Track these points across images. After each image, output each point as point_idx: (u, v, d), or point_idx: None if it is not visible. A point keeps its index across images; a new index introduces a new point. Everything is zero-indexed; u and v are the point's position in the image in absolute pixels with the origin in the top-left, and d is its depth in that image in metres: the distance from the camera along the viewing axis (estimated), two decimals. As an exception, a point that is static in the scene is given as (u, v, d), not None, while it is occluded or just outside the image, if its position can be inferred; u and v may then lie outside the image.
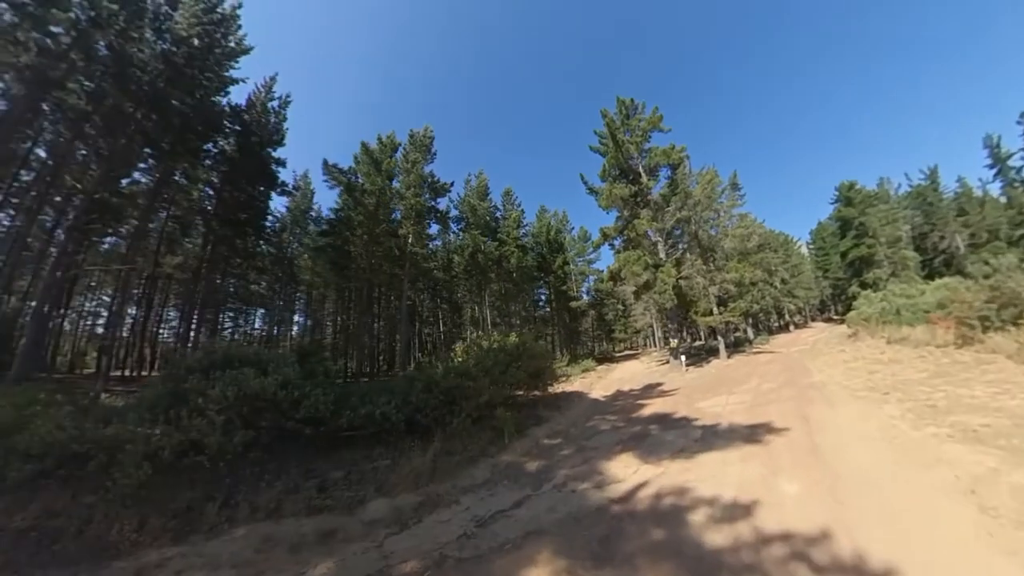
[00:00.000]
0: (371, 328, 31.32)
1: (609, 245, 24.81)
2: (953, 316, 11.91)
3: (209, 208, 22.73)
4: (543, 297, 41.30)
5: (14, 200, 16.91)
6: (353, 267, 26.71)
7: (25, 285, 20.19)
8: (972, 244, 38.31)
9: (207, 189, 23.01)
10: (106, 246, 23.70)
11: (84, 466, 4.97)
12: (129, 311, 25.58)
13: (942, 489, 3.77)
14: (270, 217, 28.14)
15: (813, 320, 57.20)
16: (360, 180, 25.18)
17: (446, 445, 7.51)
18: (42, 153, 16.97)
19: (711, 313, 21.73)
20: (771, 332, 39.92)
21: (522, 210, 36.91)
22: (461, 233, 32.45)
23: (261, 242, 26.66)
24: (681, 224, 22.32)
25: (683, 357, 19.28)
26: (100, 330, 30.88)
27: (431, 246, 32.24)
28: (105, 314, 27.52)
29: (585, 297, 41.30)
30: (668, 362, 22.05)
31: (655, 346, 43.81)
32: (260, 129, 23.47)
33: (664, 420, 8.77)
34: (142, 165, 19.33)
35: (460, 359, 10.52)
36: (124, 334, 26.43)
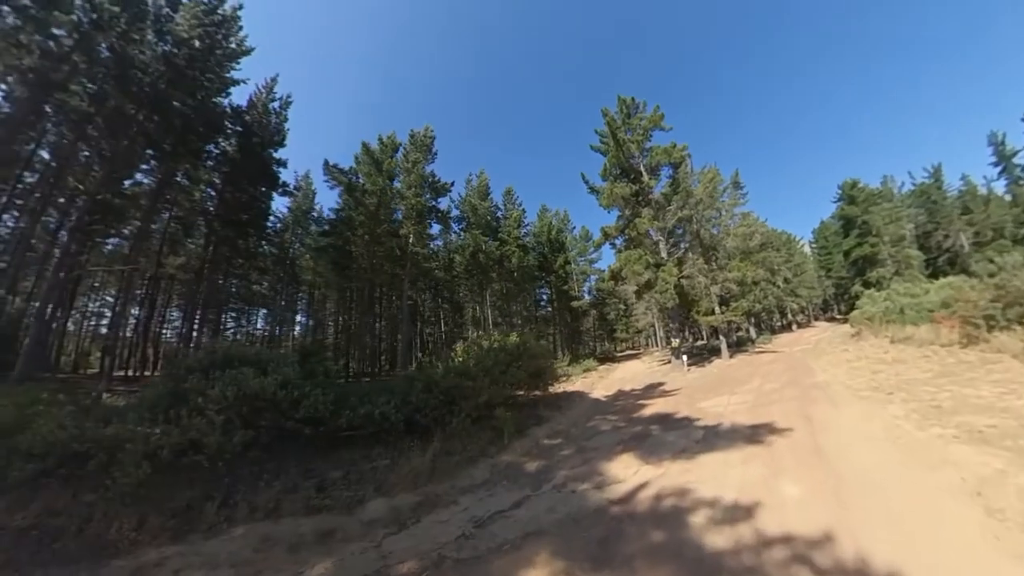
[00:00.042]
0: (373, 328, 31.38)
1: (610, 244, 24.69)
2: (958, 315, 11.79)
3: (211, 209, 22.81)
4: (544, 297, 41.25)
5: (18, 201, 17.05)
6: (354, 267, 26.76)
7: (29, 286, 20.33)
8: (976, 242, 38.01)
9: (209, 190, 23.10)
10: (109, 247, 23.86)
11: (85, 465, 4.99)
12: (132, 311, 25.70)
13: (948, 491, 3.71)
14: (272, 217, 28.36)
15: (816, 319, 56.95)
16: (361, 180, 25.24)
17: (445, 445, 7.49)
18: (45, 155, 17.10)
19: (713, 312, 21.65)
20: (774, 331, 39.75)
21: (523, 210, 36.83)
22: (462, 233, 32.45)
23: (263, 242, 26.77)
24: (683, 223, 22.20)
25: (685, 357, 19.19)
26: (104, 330, 30.99)
27: (432, 246, 32.25)
28: (108, 314, 27.63)
29: (586, 297, 41.11)
30: (670, 362, 21.94)
31: (657, 346, 43.70)
32: (261, 130, 23.54)
33: (665, 420, 8.72)
34: (144, 166, 19.42)
35: (460, 359, 10.49)
36: (127, 334, 26.58)
